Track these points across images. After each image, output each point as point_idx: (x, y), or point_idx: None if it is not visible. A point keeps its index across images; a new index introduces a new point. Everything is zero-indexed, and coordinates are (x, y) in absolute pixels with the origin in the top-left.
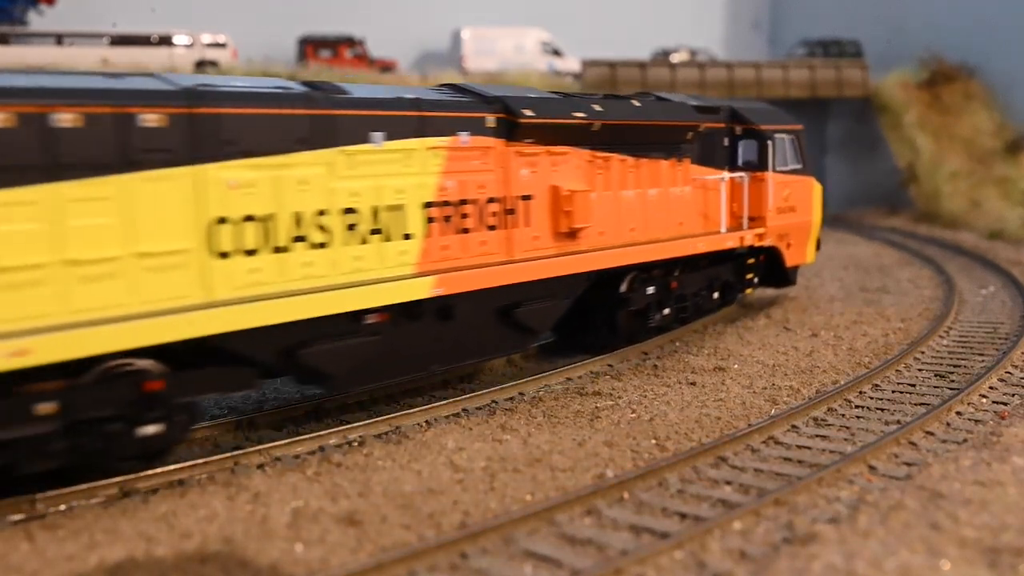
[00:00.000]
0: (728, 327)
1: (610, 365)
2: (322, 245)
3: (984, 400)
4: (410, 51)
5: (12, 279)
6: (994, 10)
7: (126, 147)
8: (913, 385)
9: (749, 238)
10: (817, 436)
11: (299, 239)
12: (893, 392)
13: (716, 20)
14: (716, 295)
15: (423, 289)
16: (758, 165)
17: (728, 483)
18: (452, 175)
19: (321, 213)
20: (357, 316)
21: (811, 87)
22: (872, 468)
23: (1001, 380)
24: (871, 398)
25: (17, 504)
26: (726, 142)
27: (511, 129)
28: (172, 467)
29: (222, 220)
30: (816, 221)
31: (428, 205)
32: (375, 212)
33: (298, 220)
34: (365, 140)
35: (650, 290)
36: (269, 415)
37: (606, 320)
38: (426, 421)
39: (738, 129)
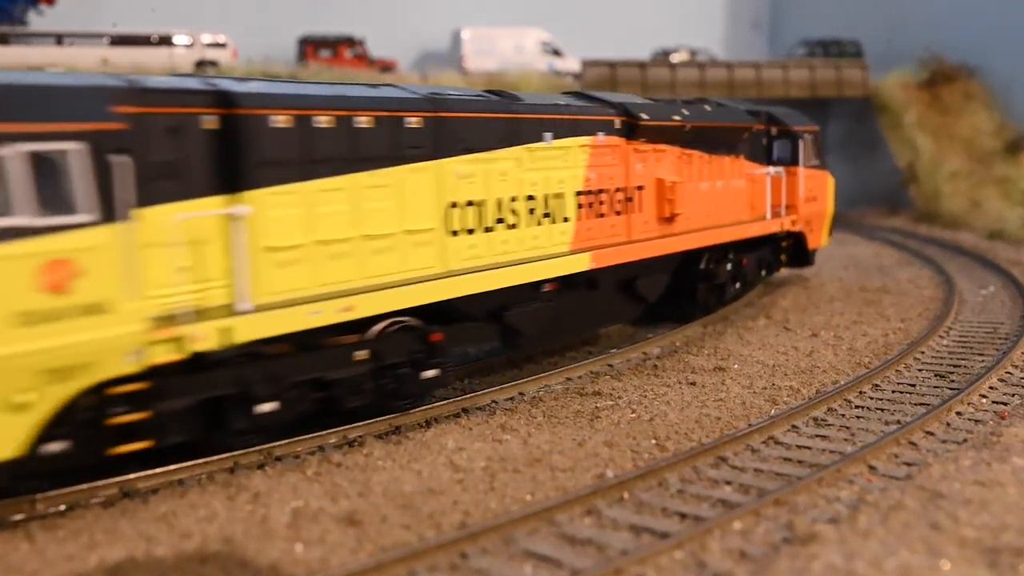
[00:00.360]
0: (728, 327)
1: (610, 365)
2: (513, 226)
3: (984, 400)
4: (410, 51)
5: (334, 250)
6: (994, 10)
7: (398, 144)
8: (913, 385)
9: (787, 224)
10: (817, 436)
11: (500, 221)
12: (893, 392)
13: (716, 20)
14: (763, 272)
15: (584, 263)
16: (791, 161)
17: (728, 483)
18: (593, 168)
19: (513, 199)
20: (536, 285)
21: (811, 87)
22: (872, 468)
23: (1001, 380)
24: (871, 398)
25: (17, 504)
26: (764, 141)
27: (631, 130)
28: (172, 467)
29: (453, 205)
30: (830, 210)
31: (578, 193)
32: (546, 199)
33: (499, 205)
34: (539, 139)
35: (729, 267)
36: None
37: (688, 293)
38: (426, 421)
39: (774, 130)
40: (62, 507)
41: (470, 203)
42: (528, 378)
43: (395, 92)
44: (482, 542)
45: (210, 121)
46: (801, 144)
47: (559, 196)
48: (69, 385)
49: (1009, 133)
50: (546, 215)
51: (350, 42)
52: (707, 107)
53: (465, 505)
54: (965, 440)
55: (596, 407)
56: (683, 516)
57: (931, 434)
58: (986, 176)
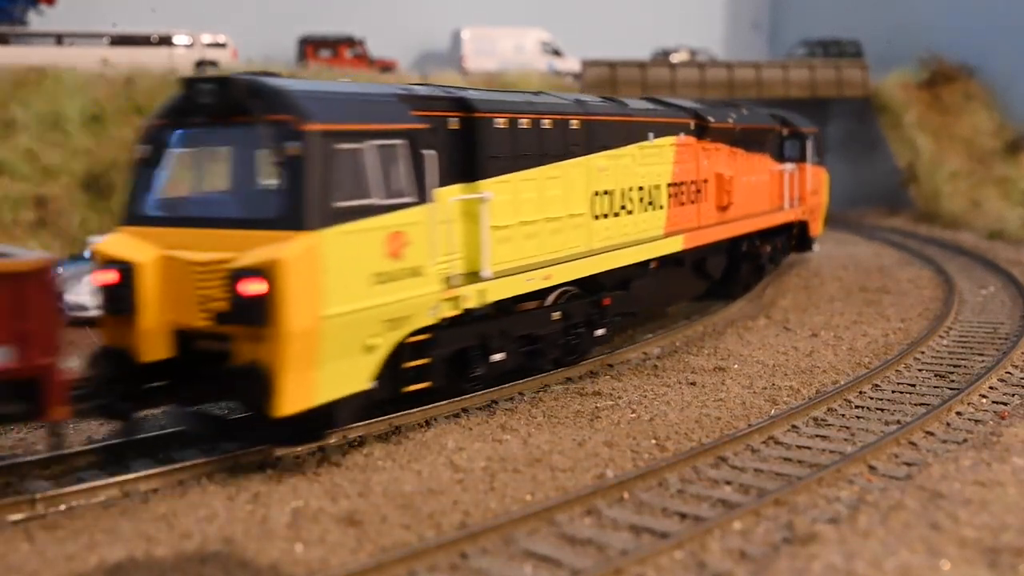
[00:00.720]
0: (728, 327)
1: (610, 365)
2: (630, 212)
3: (984, 400)
4: (410, 51)
5: (528, 230)
6: (994, 10)
7: (565, 142)
8: (913, 385)
9: (798, 213)
10: (817, 436)
11: (623, 207)
12: (893, 392)
13: (716, 20)
14: (783, 255)
15: (679, 244)
16: (799, 158)
17: (728, 483)
18: (678, 164)
19: (630, 189)
20: (646, 262)
21: (811, 87)
22: (872, 468)
23: (1001, 380)
24: (871, 398)
25: (17, 504)
26: (779, 141)
27: (702, 131)
28: (172, 467)
29: (596, 193)
30: (826, 202)
31: (669, 185)
32: (650, 189)
33: (622, 194)
34: (646, 138)
35: (768, 248)
36: None
37: (732, 272)
38: (426, 421)
39: (785, 131)
40: (62, 507)
41: (605, 192)
42: (528, 378)
43: (555, 98)
44: (482, 542)
45: (453, 123)
46: (808, 144)
47: (657, 187)
48: (397, 333)
49: (1009, 133)
50: (650, 203)
51: (350, 42)
52: (744, 111)
53: (465, 505)
54: (965, 440)
55: (596, 407)
56: (683, 516)
57: (931, 434)
58: (986, 176)
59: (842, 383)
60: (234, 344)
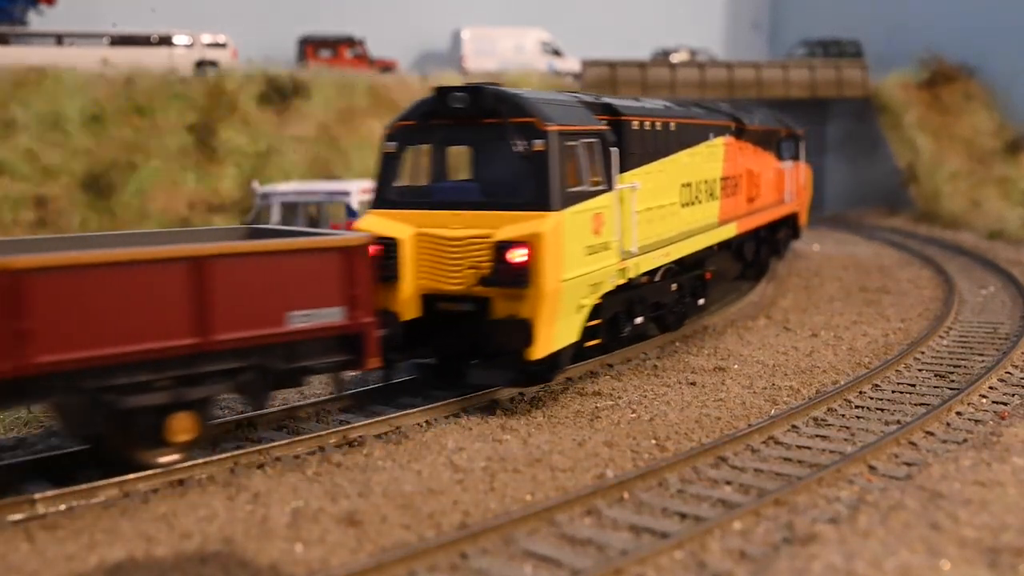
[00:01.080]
0: (728, 327)
1: (610, 365)
2: (699, 202)
3: (984, 400)
4: (410, 51)
5: (649, 215)
6: (994, 10)
7: (667, 141)
8: (913, 385)
9: (795, 206)
10: (817, 436)
11: (695, 198)
12: (893, 392)
13: (716, 20)
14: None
15: (733, 231)
16: (794, 156)
17: (728, 483)
18: (726, 161)
19: (699, 182)
20: (712, 246)
21: (811, 87)
22: (872, 468)
23: (1001, 380)
24: (871, 398)
25: (17, 504)
26: (779, 141)
27: (740, 132)
28: (172, 467)
29: (682, 185)
30: (811, 196)
31: (721, 179)
32: (710, 183)
33: (695, 186)
34: (707, 138)
35: (781, 235)
36: (269, 416)
37: (752, 257)
38: (426, 421)
39: (783, 132)
40: (62, 507)
41: (687, 184)
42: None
43: (656, 103)
44: (482, 542)
45: (604, 124)
46: (800, 143)
47: (714, 181)
48: (594, 296)
49: (1009, 133)
50: (710, 195)
51: (350, 42)
52: (759, 113)
53: (465, 505)
54: (965, 440)
55: (596, 407)
56: (683, 516)
57: (931, 434)
58: (986, 176)
59: (842, 383)
60: (493, 303)
